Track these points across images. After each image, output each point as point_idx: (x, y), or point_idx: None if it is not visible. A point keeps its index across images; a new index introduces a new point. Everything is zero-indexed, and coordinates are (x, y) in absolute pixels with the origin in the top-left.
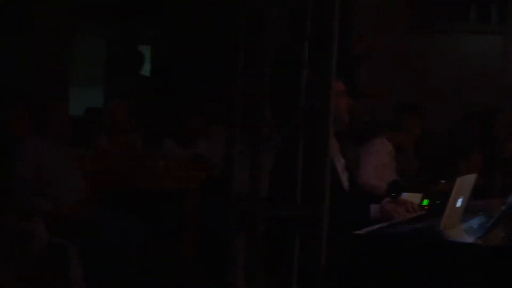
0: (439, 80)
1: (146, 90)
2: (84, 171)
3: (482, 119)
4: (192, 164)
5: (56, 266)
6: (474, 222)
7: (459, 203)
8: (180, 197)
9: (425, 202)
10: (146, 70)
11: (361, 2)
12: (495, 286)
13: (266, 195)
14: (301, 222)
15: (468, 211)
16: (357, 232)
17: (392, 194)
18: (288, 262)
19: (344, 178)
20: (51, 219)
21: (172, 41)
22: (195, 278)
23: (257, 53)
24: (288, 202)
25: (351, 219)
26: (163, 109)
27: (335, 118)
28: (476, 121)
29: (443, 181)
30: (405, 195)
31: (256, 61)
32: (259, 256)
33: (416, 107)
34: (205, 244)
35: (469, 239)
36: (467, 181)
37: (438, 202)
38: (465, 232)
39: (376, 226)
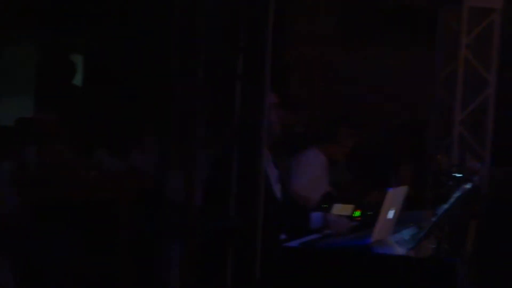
0: (370, 91)
1: (77, 100)
2: (13, 182)
3: (412, 132)
4: (125, 174)
5: None
6: (406, 234)
7: (390, 214)
8: (112, 208)
9: (357, 213)
10: (78, 80)
11: (293, 11)
12: None
13: (200, 207)
14: (235, 234)
15: (399, 222)
16: (290, 244)
17: (325, 206)
18: (223, 273)
19: (277, 189)
20: None
21: (105, 52)
22: None
23: (191, 65)
24: (221, 213)
25: (284, 229)
26: (95, 119)
27: (267, 130)
28: (406, 133)
29: (375, 192)
30: (337, 206)
31: (190, 73)
32: (194, 267)
33: (350, 120)
34: (139, 255)
35: (401, 251)
36: (398, 193)
37: (369, 213)
38: (396, 244)
39: (310, 238)
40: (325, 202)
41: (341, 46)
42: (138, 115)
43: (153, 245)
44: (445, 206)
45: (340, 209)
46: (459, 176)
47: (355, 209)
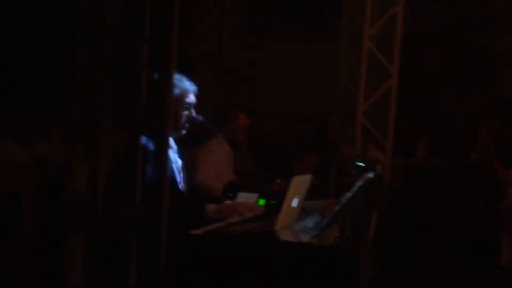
0: (272, 83)
1: None
2: None
3: (316, 122)
4: (29, 164)
5: None
6: (309, 222)
7: (294, 203)
8: (16, 198)
9: (262, 202)
10: None
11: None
12: (329, 284)
13: (104, 196)
14: (140, 223)
15: (303, 210)
16: (195, 232)
17: (229, 195)
18: (127, 263)
19: (180, 178)
20: None
21: (10, 41)
22: (32, 279)
23: (96, 54)
24: (127, 203)
25: (186, 219)
26: (1, 109)
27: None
28: (311, 124)
29: (278, 181)
30: (242, 195)
31: (95, 63)
32: (97, 257)
33: (244, 107)
34: (42, 245)
35: (304, 238)
36: (302, 181)
37: (274, 202)
38: (300, 232)
39: (215, 226)
40: (230, 191)
41: (247, 38)
42: (43, 105)
43: (55, 236)
44: (348, 194)
45: (244, 198)
46: (362, 166)
47: (260, 198)
